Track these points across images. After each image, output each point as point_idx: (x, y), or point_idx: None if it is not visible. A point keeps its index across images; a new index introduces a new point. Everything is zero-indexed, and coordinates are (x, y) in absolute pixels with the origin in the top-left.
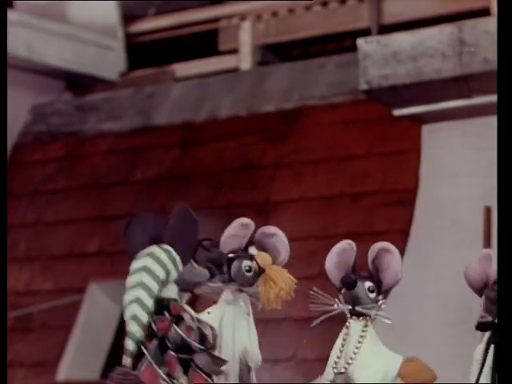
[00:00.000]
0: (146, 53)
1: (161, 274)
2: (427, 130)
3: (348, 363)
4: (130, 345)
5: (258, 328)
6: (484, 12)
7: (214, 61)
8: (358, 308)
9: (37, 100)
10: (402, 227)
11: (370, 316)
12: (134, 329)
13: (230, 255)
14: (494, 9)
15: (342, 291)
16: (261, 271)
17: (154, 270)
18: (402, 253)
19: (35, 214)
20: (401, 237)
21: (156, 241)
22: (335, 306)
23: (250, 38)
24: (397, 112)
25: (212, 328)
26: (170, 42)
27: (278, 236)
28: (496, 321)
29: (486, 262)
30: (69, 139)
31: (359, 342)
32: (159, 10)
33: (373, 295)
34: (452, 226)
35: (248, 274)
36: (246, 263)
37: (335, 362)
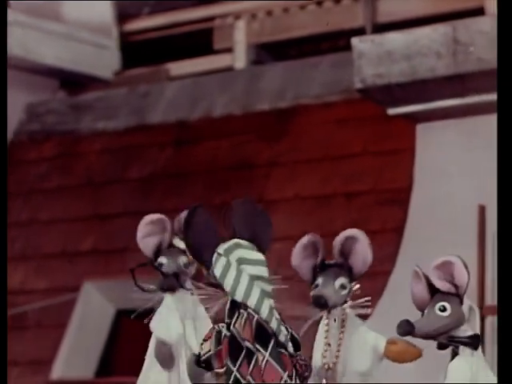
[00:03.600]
0: (140, 52)
1: None
2: (422, 129)
3: (336, 356)
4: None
5: None
6: (478, 11)
7: (209, 60)
8: (333, 310)
9: (31, 99)
10: (396, 226)
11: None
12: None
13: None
14: (488, 8)
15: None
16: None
17: None
18: (396, 251)
19: (30, 212)
20: (395, 235)
21: None
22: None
23: (245, 37)
24: (391, 111)
25: None
26: (165, 40)
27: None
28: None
29: (417, 280)
30: (63, 138)
31: (341, 332)
32: (154, 9)
33: (344, 291)
34: (446, 225)
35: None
36: (183, 260)
37: (324, 352)
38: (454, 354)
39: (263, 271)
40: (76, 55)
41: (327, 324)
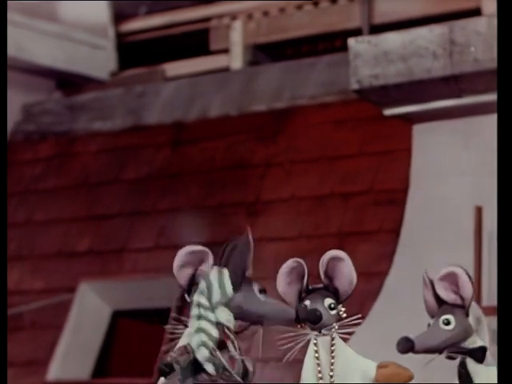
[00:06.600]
0: (136, 52)
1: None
2: (418, 130)
3: (331, 376)
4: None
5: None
6: (474, 12)
7: (205, 60)
8: (324, 331)
9: (27, 99)
10: (392, 226)
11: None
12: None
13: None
14: (485, 9)
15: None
16: None
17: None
18: (393, 252)
19: (25, 213)
20: (391, 236)
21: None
22: (306, 333)
23: (241, 38)
24: (387, 112)
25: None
26: (161, 41)
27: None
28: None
29: (426, 288)
30: (59, 138)
31: (332, 358)
32: (150, 10)
33: (334, 312)
34: (443, 226)
35: None
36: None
37: (318, 373)
38: (464, 366)
39: None
40: (72, 55)
41: (316, 344)
